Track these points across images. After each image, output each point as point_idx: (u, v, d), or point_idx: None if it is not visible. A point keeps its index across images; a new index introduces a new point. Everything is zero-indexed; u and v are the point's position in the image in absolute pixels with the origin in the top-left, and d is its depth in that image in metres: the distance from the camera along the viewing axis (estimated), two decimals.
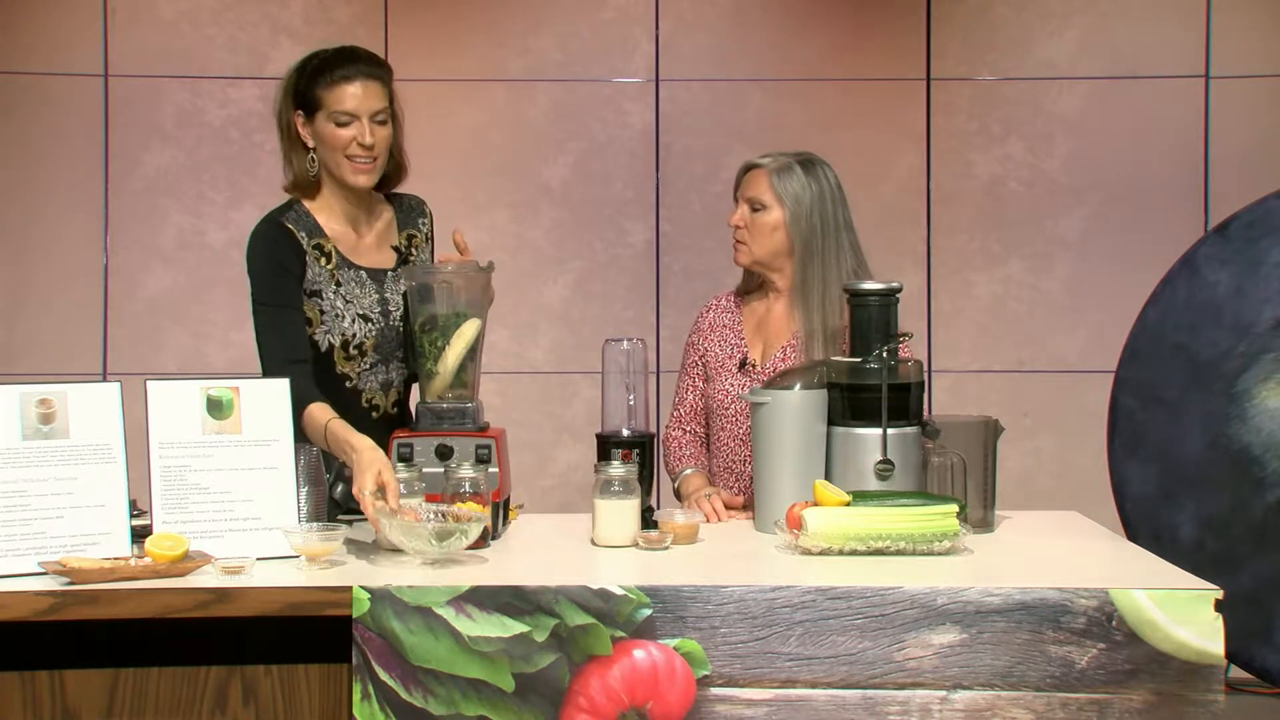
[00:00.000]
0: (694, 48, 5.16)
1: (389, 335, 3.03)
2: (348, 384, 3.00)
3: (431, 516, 2.50)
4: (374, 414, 3.04)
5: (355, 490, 2.59)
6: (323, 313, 2.96)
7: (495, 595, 2.26)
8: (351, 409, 2.99)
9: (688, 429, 3.24)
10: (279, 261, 2.92)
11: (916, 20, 5.13)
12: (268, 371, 2.87)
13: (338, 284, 2.98)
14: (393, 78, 3.01)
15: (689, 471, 3.17)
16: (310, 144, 2.97)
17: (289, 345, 2.89)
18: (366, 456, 2.60)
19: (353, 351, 2.99)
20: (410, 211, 3.15)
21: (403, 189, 3.18)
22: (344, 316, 2.97)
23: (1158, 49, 5.10)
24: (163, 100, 5.08)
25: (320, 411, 2.76)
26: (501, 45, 5.15)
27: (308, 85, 2.93)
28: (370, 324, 3.00)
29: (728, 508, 2.97)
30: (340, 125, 2.91)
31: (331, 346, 2.97)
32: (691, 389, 3.25)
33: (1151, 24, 5.11)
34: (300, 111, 2.95)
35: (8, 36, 5.02)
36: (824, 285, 3.09)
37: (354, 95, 2.90)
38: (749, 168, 3.19)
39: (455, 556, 2.47)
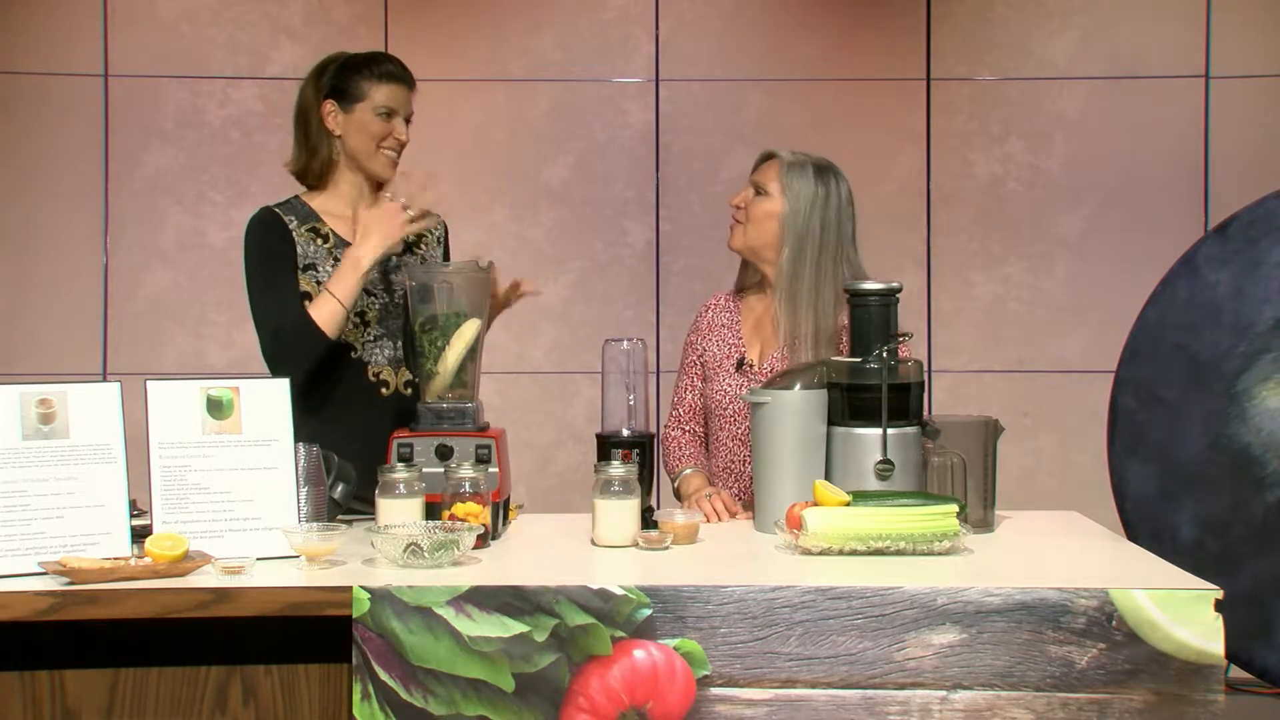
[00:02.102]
0: (694, 48, 5.16)
1: (394, 312, 3.12)
2: (352, 354, 3.08)
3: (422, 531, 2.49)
4: (383, 390, 3.11)
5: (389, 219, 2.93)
6: (319, 283, 3.04)
7: (495, 595, 2.26)
8: (357, 384, 3.05)
9: (687, 429, 3.24)
10: (267, 245, 3.06)
11: (916, 20, 5.13)
12: (272, 325, 2.97)
13: (336, 260, 3.07)
14: None
15: (688, 471, 3.17)
16: (337, 132, 3.12)
17: (286, 300, 3.00)
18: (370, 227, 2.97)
19: (354, 319, 3.06)
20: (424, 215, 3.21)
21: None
22: None
23: (1158, 49, 5.11)
24: (163, 100, 5.08)
25: (319, 297, 2.96)
26: (501, 45, 5.15)
27: (351, 78, 3.11)
28: (373, 297, 3.11)
29: (728, 512, 2.96)
30: (383, 118, 3.10)
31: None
32: (690, 389, 3.25)
33: (1151, 24, 5.11)
34: (333, 100, 3.11)
35: (8, 36, 5.02)
36: (815, 290, 3.07)
37: (400, 94, 3.13)
38: (768, 156, 3.20)
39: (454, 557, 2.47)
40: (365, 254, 2.95)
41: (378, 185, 3.16)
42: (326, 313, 2.95)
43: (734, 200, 3.19)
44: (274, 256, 3.04)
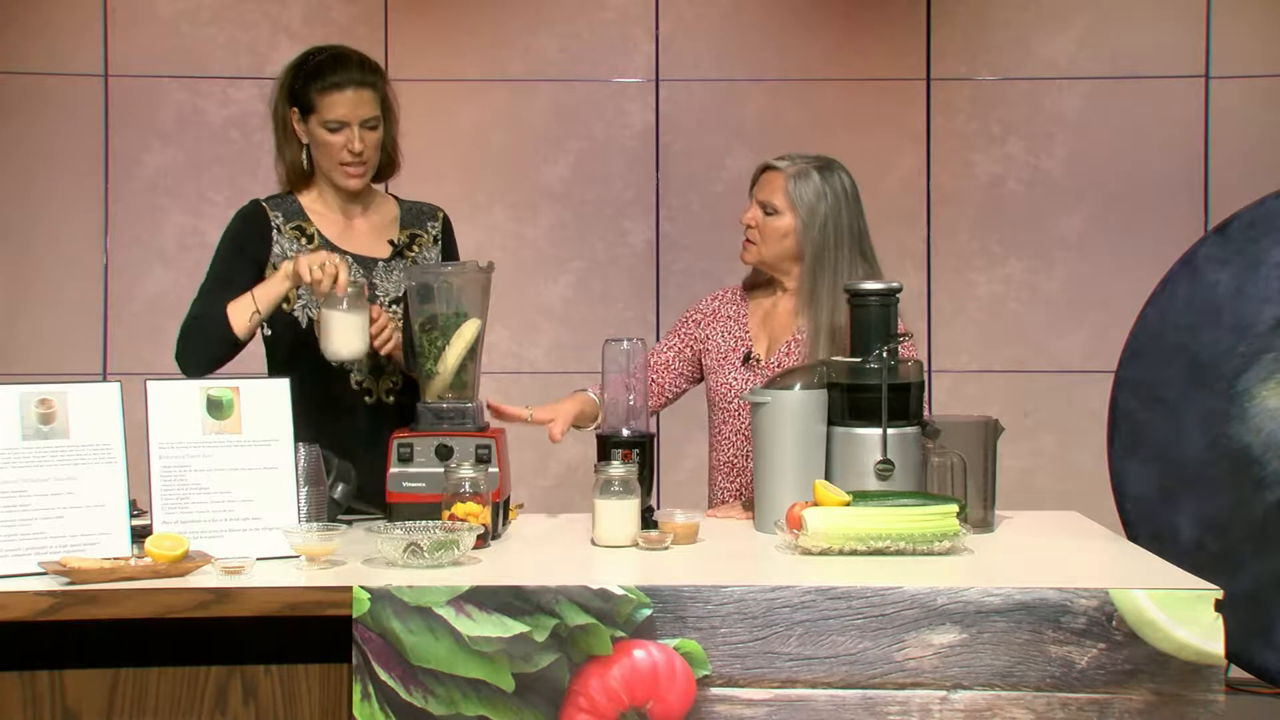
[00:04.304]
0: (694, 48, 5.16)
1: None
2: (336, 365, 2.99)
3: (423, 531, 2.49)
4: (366, 399, 3.06)
5: (302, 271, 2.73)
6: (299, 288, 2.97)
7: (495, 595, 2.26)
8: (340, 390, 3.01)
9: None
10: (240, 239, 3.04)
11: (916, 20, 5.13)
12: (193, 310, 2.97)
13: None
14: (385, 78, 3.06)
15: (581, 392, 3.06)
16: (304, 140, 3.04)
17: (223, 294, 2.95)
18: (303, 258, 2.77)
19: None
20: (420, 215, 3.18)
21: (410, 192, 3.19)
22: None
23: (1158, 49, 5.10)
24: (163, 100, 5.08)
25: (238, 299, 2.87)
26: (501, 45, 5.15)
27: (302, 87, 3.00)
28: None
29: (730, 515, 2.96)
30: (332, 132, 2.98)
31: (312, 321, 2.98)
32: (669, 348, 3.21)
33: (1151, 24, 5.11)
34: (295, 109, 3.02)
35: (8, 36, 5.02)
36: (834, 291, 3.05)
37: (346, 103, 2.97)
38: (765, 168, 3.16)
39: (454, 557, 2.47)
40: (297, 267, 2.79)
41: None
42: (240, 308, 2.89)
43: (744, 219, 3.14)
44: (240, 254, 3.01)
